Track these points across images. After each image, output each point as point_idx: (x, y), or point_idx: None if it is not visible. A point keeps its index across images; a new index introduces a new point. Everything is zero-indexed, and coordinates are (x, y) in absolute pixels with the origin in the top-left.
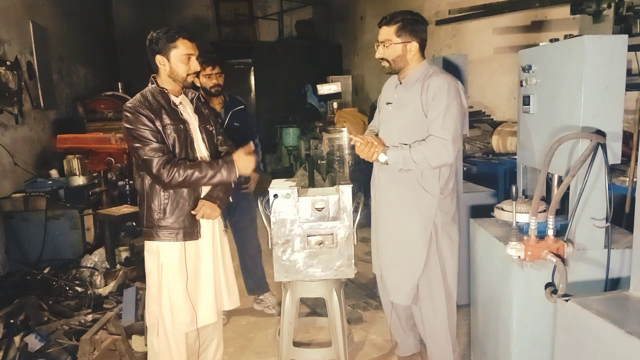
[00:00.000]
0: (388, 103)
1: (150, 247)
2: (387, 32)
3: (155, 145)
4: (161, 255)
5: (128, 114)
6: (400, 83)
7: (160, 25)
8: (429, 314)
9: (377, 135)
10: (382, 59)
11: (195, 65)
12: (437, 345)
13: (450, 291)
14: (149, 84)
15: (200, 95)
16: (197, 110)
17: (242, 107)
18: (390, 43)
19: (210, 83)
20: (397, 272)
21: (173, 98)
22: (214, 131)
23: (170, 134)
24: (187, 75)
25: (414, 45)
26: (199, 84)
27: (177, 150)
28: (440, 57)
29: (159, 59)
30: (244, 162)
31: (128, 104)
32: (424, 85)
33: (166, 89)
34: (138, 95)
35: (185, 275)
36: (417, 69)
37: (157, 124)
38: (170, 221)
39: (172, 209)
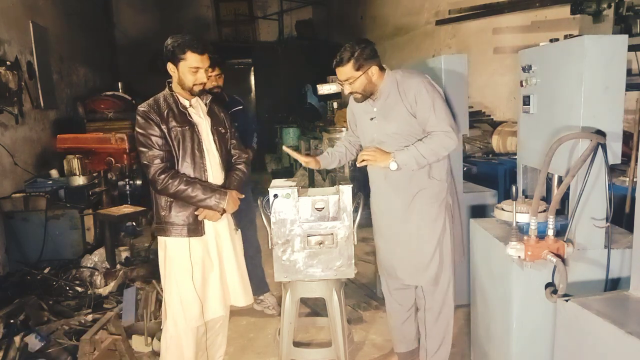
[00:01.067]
0: (372, 118)
1: (160, 242)
2: (346, 71)
3: (156, 152)
4: (168, 250)
5: (139, 118)
6: (373, 100)
7: (165, 27)
8: (439, 290)
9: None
10: (352, 92)
11: (201, 78)
12: (438, 321)
13: (455, 268)
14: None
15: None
16: (210, 113)
17: (241, 107)
18: (353, 79)
19: (210, 85)
20: (424, 258)
21: (183, 101)
22: (227, 134)
23: (176, 136)
24: (194, 85)
25: (374, 69)
26: None
27: (180, 151)
28: (440, 57)
29: (170, 66)
30: (234, 201)
31: (141, 107)
32: (401, 92)
33: (176, 93)
34: (151, 99)
35: (191, 270)
36: (384, 82)
37: (163, 127)
38: (175, 218)
39: (177, 206)
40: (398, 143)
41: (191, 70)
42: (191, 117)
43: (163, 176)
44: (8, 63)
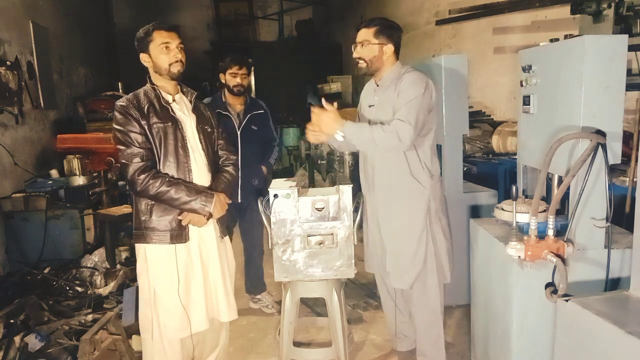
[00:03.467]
0: (370, 105)
1: (139, 250)
2: (366, 34)
3: (136, 149)
4: (149, 258)
5: (116, 114)
6: (377, 85)
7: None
8: (425, 295)
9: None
10: (360, 58)
11: (175, 54)
12: (428, 325)
13: (444, 272)
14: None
15: (224, 93)
16: (195, 111)
17: (262, 111)
18: (368, 43)
19: (234, 82)
20: (401, 260)
21: (165, 95)
22: (214, 134)
23: (157, 133)
24: (170, 65)
25: (389, 48)
26: (223, 81)
27: (162, 149)
28: (440, 57)
29: (143, 57)
30: (221, 205)
31: (119, 102)
32: (397, 85)
33: (157, 86)
34: (131, 94)
35: (177, 280)
36: (391, 70)
37: (144, 122)
38: (156, 223)
39: (159, 211)
40: None
41: (162, 48)
42: (174, 113)
43: (143, 176)
44: (8, 63)
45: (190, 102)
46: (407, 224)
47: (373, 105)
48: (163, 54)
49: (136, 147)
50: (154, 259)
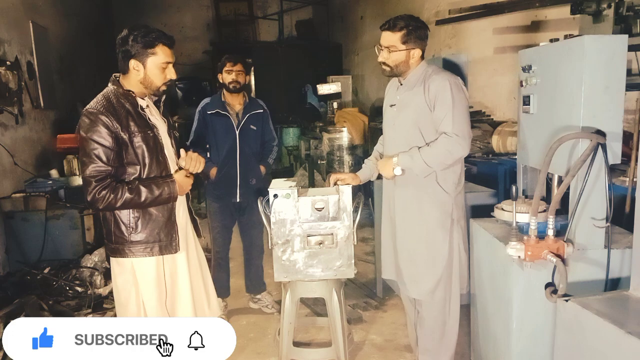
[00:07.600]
0: (392, 105)
1: (122, 264)
2: (392, 38)
3: (103, 167)
4: (137, 273)
5: (86, 120)
6: (401, 84)
7: (165, 27)
8: (441, 305)
9: (380, 154)
10: (384, 63)
11: (171, 74)
12: (444, 337)
13: (463, 283)
14: (110, 84)
15: (223, 93)
16: (164, 115)
17: (261, 111)
18: (395, 49)
19: (229, 78)
20: (418, 269)
21: (140, 102)
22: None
23: (139, 143)
24: (162, 84)
25: (417, 52)
26: (221, 80)
27: (147, 161)
28: (440, 57)
29: (134, 64)
30: (185, 181)
31: (90, 107)
32: (425, 86)
33: (133, 92)
34: (100, 97)
35: (165, 291)
36: (416, 70)
37: (124, 135)
38: (143, 235)
39: (145, 221)
40: (411, 135)
41: (162, 66)
42: (150, 120)
43: (104, 192)
44: (8, 63)
45: (159, 106)
46: (426, 230)
47: (394, 105)
48: (161, 72)
49: (102, 162)
50: (143, 272)
